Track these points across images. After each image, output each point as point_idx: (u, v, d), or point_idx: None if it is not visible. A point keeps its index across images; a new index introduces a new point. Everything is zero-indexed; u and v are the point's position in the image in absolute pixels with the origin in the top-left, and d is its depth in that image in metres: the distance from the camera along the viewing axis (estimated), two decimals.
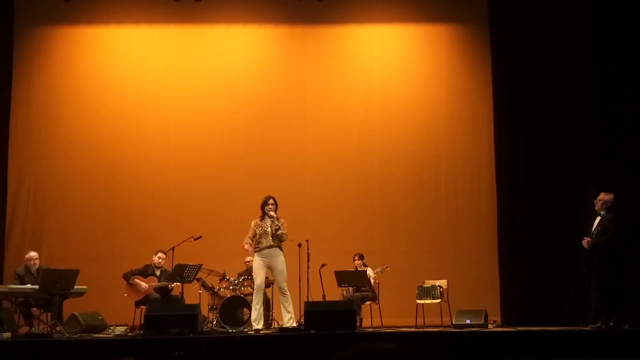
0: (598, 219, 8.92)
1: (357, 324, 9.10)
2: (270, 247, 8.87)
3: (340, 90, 11.89)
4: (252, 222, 9.03)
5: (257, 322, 8.79)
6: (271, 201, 9.00)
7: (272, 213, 8.90)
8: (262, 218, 8.99)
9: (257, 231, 8.91)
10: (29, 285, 8.95)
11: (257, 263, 8.90)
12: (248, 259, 10.38)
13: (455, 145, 11.76)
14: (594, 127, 10.56)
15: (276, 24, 12.05)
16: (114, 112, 11.74)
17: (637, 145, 10.18)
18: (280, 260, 8.89)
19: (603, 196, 8.96)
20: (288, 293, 8.92)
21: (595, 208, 8.97)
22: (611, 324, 8.50)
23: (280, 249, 8.94)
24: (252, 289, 9.80)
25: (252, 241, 8.95)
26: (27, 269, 9.33)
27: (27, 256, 9.45)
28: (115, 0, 11.74)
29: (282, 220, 8.98)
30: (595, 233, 8.85)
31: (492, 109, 11.40)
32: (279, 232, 8.83)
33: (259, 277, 8.87)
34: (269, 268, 8.92)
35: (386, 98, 11.85)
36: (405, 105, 11.85)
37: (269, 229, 8.88)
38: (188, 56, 11.98)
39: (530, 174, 10.97)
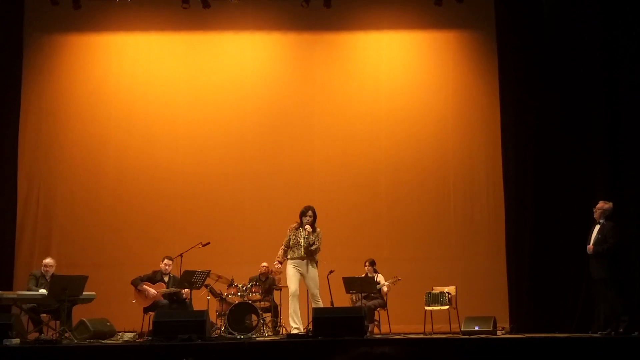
0: (597, 227, 8.86)
1: (369, 330, 9.12)
2: (302, 258, 8.95)
3: (348, 96, 11.91)
4: (289, 228, 9.06)
5: (294, 322, 8.88)
6: (309, 212, 9.00)
7: (307, 227, 8.91)
8: (298, 227, 9.03)
9: (292, 239, 8.97)
10: (37, 292, 8.99)
11: (290, 270, 8.99)
12: (264, 264, 10.38)
13: (463, 152, 11.75)
14: (604, 133, 10.50)
15: (284, 31, 12.09)
16: (123, 119, 11.80)
17: None
18: (311, 268, 8.98)
19: (602, 204, 8.91)
20: (320, 300, 9.01)
21: (594, 216, 8.92)
22: (620, 330, 8.46)
23: (313, 260, 9.00)
24: (260, 295, 9.85)
25: (287, 249, 8.96)
26: (43, 274, 9.40)
27: (43, 262, 9.52)
28: (125, 8, 11.79)
29: (318, 230, 9.04)
30: (594, 241, 8.81)
31: (499, 115, 11.38)
32: (312, 247, 8.90)
33: (292, 285, 8.96)
34: (302, 275, 8.99)
35: (394, 105, 11.86)
36: (413, 111, 11.86)
37: (302, 241, 8.93)
38: (196, 63, 12.04)
39: (539, 180, 10.91)
